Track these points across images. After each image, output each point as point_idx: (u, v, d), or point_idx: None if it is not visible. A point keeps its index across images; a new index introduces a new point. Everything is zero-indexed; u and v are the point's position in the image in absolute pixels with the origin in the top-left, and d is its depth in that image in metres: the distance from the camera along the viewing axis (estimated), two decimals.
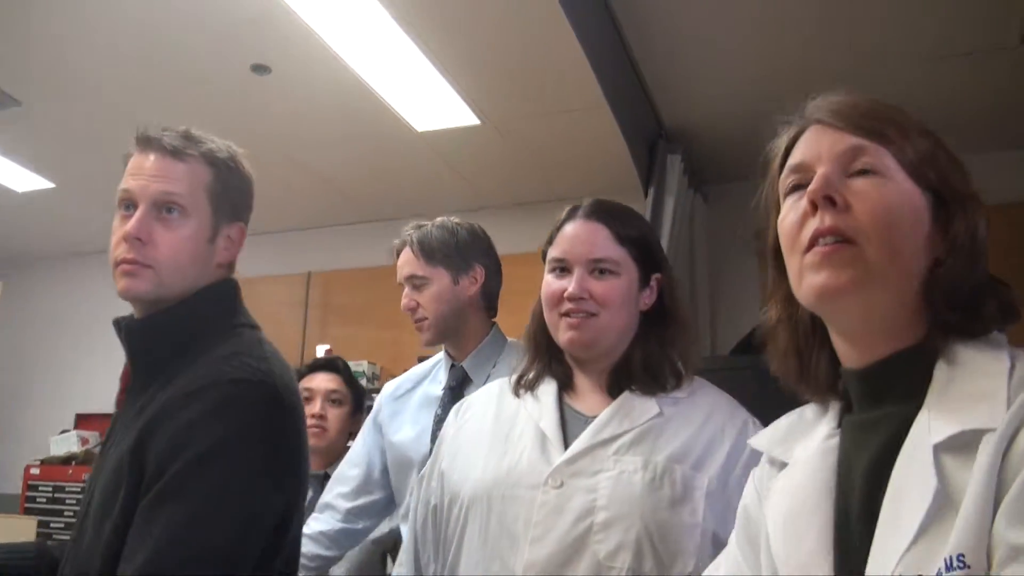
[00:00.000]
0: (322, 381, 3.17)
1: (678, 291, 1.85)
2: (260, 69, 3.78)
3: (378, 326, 5.49)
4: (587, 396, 1.76)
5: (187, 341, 1.59)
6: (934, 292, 1.04)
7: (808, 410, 1.22)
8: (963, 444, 0.92)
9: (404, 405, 2.58)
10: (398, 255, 2.55)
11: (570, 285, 1.71)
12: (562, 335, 1.73)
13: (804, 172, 1.11)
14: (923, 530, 0.90)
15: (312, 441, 3.03)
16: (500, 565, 1.59)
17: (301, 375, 3.21)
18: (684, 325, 1.81)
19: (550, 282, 1.75)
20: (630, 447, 1.62)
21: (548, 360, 1.80)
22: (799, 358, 1.19)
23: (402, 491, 2.50)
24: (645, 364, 1.74)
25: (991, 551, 0.84)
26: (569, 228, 1.77)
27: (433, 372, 2.60)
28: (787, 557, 1.09)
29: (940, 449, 0.93)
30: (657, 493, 1.56)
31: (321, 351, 5.46)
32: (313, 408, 3.09)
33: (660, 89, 4.18)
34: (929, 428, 0.96)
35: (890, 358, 1.06)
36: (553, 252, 1.77)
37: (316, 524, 2.59)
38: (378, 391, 2.92)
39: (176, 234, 1.60)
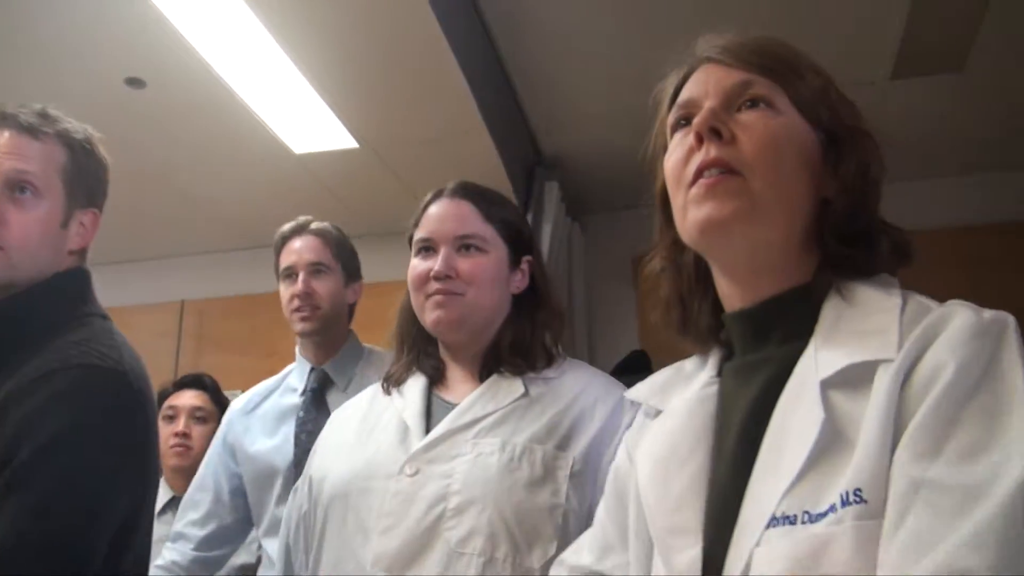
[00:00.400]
0: (187, 398, 3.08)
1: (549, 276, 1.83)
2: (135, 83, 3.67)
3: (254, 355, 5.36)
4: (458, 387, 1.70)
5: (36, 329, 1.53)
6: (824, 229, 1.02)
7: (688, 363, 1.18)
8: (854, 378, 0.89)
9: (255, 418, 2.53)
10: (283, 243, 2.52)
11: (436, 264, 1.66)
12: (428, 316, 1.67)
13: (691, 108, 1.07)
14: (809, 466, 0.87)
15: (175, 461, 2.94)
16: (355, 564, 1.52)
17: (167, 393, 3.12)
18: (556, 309, 1.77)
19: (415, 265, 1.70)
20: (491, 429, 1.56)
21: (417, 354, 1.76)
22: (682, 306, 1.16)
23: (262, 505, 2.44)
24: (514, 345, 1.68)
25: (889, 484, 0.82)
26: (434, 208, 1.74)
27: (283, 384, 2.57)
28: (656, 503, 1.04)
29: (828, 385, 0.91)
30: (514, 475, 1.49)
31: None
32: (176, 426, 2.99)
33: (538, 117, 4.24)
34: (816, 364, 0.93)
35: (775, 297, 1.03)
36: (418, 233, 1.72)
37: (169, 554, 2.51)
38: None
39: (28, 215, 1.55)
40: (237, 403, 2.62)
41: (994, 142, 4.33)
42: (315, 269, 2.48)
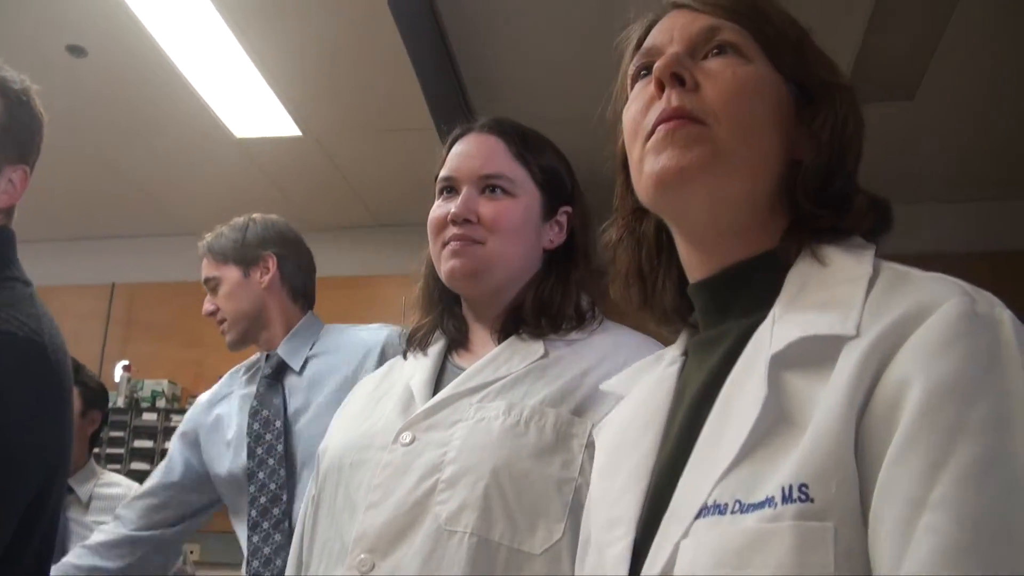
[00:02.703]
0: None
1: (593, 231, 1.55)
2: (76, 51, 3.56)
3: (182, 344, 5.27)
4: (477, 351, 1.49)
5: None
6: (795, 190, 0.92)
7: (672, 349, 1.07)
8: (812, 355, 0.79)
9: (215, 416, 2.43)
10: None
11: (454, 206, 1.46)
12: (443, 266, 1.45)
13: (653, 56, 0.97)
14: (748, 451, 0.77)
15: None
16: (340, 544, 1.33)
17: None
18: (596, 269, 1.52)
19: (435, 208, 1.49)
20: (499, 393, 1.36)
21: (442, 312, 1.55)
22: (641, 281, 1.07)
23: (237, 505, 2.32)
24: (539, 306, 1.47)
25: (867, 498, 0.70)
26: (460, 144, 1.53)
27: (246, 376, 2.50)
28: (599, 498, 0.97)
29: (779, 360, 0.80)
30: (518, 440, 1.28)
31: (119, 368, 5.21)
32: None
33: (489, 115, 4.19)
34: (771, 337, 0.83)
35: (738, 264, 0.94)
36: (441, 172, 1.51)
37: (97, 535, 2.43)
38: (178, 412, 2.61)
39: None
40: (203, 397, 2.53)
41: (940, 174, 4.39)
42: (209, 287, 2.43)
